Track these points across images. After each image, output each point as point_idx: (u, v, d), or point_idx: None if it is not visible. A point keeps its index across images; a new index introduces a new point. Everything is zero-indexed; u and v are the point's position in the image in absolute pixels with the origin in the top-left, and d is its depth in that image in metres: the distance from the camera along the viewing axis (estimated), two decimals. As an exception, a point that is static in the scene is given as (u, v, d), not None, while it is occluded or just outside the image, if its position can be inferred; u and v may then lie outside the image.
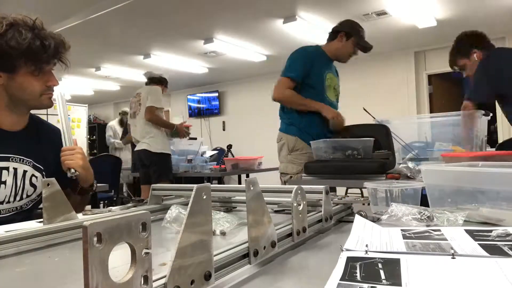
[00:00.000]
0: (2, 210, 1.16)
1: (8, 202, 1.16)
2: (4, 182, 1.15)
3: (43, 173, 1.26)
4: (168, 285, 0.38)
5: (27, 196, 1.21)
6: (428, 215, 0.76)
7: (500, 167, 0.91)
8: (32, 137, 1.26)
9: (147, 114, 3.77)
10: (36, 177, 1.23)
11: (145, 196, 4.09)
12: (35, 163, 1.24)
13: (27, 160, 1.22)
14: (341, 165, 2.02)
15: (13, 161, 1.18)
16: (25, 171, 1.21)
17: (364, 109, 2.44)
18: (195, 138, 4.74)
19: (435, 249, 0.55)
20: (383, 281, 0.44)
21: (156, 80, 4.08)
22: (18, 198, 1.19)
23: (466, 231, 0.65)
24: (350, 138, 2.16)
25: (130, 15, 4.49)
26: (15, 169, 1.18)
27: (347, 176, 1.97)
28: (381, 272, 0.47)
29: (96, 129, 10.11)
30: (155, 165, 3.82)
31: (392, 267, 0.48)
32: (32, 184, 1.22)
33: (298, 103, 2.38)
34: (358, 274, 0.46)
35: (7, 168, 1.16)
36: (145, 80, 4.15)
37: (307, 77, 2.38)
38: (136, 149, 3.98)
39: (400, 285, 0.43)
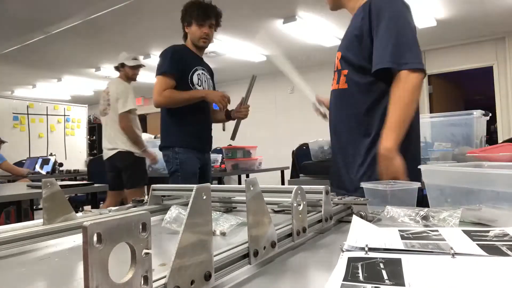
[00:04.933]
0: None
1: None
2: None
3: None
4: (168, 285, 0.38)
5: None
6: (424, 215, 0.76)
7: (499, 168, 0.91)
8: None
9: (121, 122, 3.42)
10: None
11: (110, 203, 3.86)
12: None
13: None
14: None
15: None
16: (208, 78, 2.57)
17: None
18: None
19: (434, 249, 0.55)
20: (386, 281, 0.44)
21: (118, 67, 3.65)
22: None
23: (464, 231, 0.65)
24: None
25: (130, 15, 4.49)
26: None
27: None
28: (383, 272, 0.47)
29: (96, 129, 10.10)
30: (129, 169, 3.49)
31: (394, 267, 0.48)
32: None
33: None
34: (360, 275, 0.46)
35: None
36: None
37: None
38: (107, 155, 3.53)
39: (404, 285, 0.43)
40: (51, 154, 6.32)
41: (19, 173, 4.58)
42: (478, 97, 8.97)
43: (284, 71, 1.74)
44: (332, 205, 0.80)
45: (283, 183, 5.03)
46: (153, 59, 6.21)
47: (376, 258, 0.52)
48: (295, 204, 0.63)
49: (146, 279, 0.36)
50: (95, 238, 0.31)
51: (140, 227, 0.36)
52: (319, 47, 5.88)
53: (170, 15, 4.55)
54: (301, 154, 3.93)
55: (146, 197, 1.06)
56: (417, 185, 0.98)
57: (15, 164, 6.23)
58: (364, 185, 1.03)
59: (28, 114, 7.14)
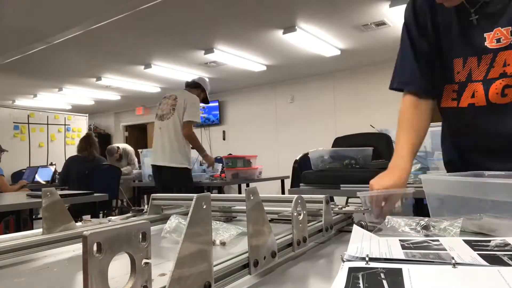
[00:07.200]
0: None
1: None
2: None
3: None
4: (168, 295, 0.38)
5: None
6: (425, 224, 0.75)
7: (500, 177, 0.91)
8: None
9: (185, 129, 3.52)
10: None
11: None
12: None
13: None
14: (337, 175, 2.02)
15: None
16: None
17: (371, 126, 2.44)
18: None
19: (435, 259, 0.55)
20: (386, 291, 0.44)
21: (192, 85, 3.80)
22: None
23: (465, 241, 0.64)
24: (348, 148, 2.17)
25: (131, 26, 4.53)
26: None
27: (344, 185, 1.96)
28: (384, 282, 0.47)
29: (97, 138, 10.11)
30: (176, 180, 3.55)
31: (395, 277, 0.48)
32: None
33: None
34: (361, 285, 0.46)
35: None
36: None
37: None
38: (155, 163, 3.65)
39: None
40: (51, 164, 6.32)
41: (7, 190, 4.44)
42: (478, 106, 8.95)
43: None
44: (332, 215, 0.80)
45: (283, 193, 5.02)
46: (154, 69, 6.24)
47: (377, 268, 0.52)
48: (295, 214, 0.63)
49: (146, 289, 0.36)
50: (95, 248, 0.31)
51: (140, 236, 0.36)
52: (319, 57, 5.91)
53: (171, 25, 4.59)
54: (305, 164, 3.93)
55: (146, 206, 1.06)
56: (411, 190, 0.99)
57: (15, 173, 6.23)
58: (360, 194, 1.02)
59: (28, 123, 7.15)
